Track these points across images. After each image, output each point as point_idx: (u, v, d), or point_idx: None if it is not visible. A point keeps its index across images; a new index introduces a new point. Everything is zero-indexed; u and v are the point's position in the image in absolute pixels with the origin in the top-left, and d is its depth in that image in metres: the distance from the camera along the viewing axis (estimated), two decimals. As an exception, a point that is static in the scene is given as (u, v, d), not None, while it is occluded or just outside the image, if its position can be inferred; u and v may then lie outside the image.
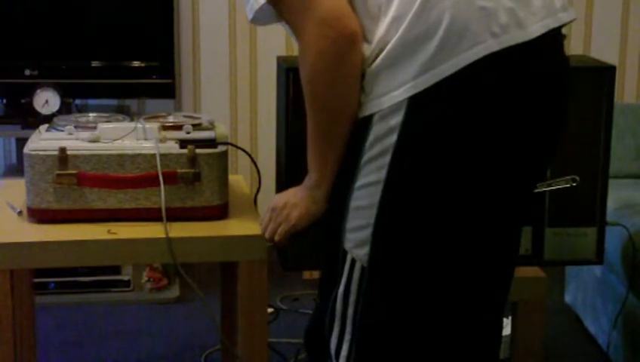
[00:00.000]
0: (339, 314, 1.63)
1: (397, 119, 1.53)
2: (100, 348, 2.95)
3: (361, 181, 1.58)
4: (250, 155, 2.28)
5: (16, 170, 3.36)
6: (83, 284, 3.29)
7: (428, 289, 1.60)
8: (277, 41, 3.70)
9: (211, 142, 2.08)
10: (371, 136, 1.56)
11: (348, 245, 1.61)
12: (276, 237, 1.76)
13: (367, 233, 1.58)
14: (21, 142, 3.24)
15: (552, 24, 1.59)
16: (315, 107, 1.61)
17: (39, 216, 2.03)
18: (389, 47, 1.53)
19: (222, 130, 2.22)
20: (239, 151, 2.26)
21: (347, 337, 1.63)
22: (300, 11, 1.55)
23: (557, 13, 1.60)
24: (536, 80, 1.58)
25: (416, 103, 1.51)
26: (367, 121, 1.57)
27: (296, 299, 3.32)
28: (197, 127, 2.16)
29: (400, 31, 1.52)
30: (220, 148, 2.07)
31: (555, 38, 1.62)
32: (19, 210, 2.09)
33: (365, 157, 1.57)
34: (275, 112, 2.29)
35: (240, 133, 3.77)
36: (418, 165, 1.54)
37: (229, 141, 2.17)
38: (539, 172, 1.75)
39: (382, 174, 1.55)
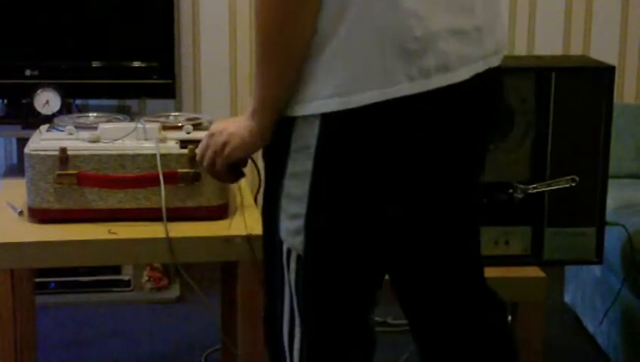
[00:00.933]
0: (287, 305, 1.63)
1: (314, 130, 1.54)
2: (100, 347, 2.95)
3: (290, 169, 1.58)
4: (250, 155, 2.28)
5: (16, 170, 3.36)
6: (83, 284, 3.29)
7: (359, 278, 1.63)
8: (277, 41, 3.70)
9: (211, 143, 2.08)
10: (296, 127, 1.56)
11: (283, 234, 1.61)
12: (216, 168, 1.70)
13: (299, 222, 1.58)
14: (22, 142, 3.24)
15: (480, 68, 1.60)
16: (261, 38, 1.56)
17: (40, 215, 2.03)
18: (328, 48, 1.52)
19: (222, 130, 2.22)
20: (239, 152, 2.25)
21: (297, 329, 1.63)
22: None
23: (489, 57, 1.63)
24: (452, 124, 1.60)
25: (329, 121, 1.53)
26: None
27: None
28: (197, 127, 2.17)
29: (340, 37, 1.51)
30: (220, 149, 2.07)
31: (482, 78, 1.62)
32: (19, 210, 2.09)
33: (294, 145, 1.57)
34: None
35: (240, 133, 3.76)
36: (338, 165, 1.56)
37: (229, 141, 2.16)
38: (463, 176, 1.73)
39: (309, 165, 1.56)
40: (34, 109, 3.23)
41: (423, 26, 1.51)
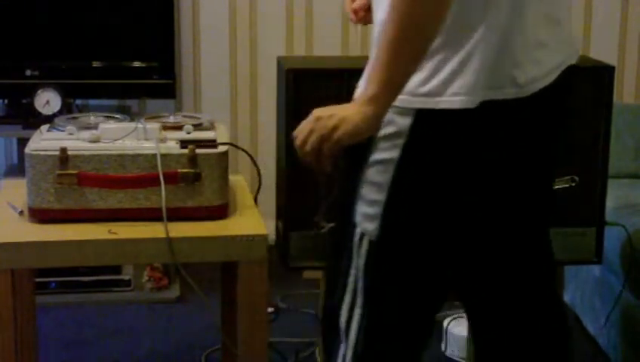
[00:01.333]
0: (350, 287, 1.65)
1: (407, 121, 1.56)
2: (101, 347, 2.95)
3: (375, 156, 1.59)
4: (250, 155, 2.28)
5: (17, 170, 3.36)
6: (84, 284, 3.29)
7: (428, 270, 1.64)
8: (277, 41, 3.71)
9: (212, 143, 2.09)
10: (388, 115, 1.56)
11: (358, 218, 1.62)
12: (321, 153, 1.57)
13: (378, 209, 1.59)
14: (22, 142, 3.25)
15: (560, 70, 1.67)
16: (395, 16, 1.48)
17: (40, 215, 2.04)
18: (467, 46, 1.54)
19: (222, 130, 2.22)
20: (239, 151, 2.26)
21: (357, 311, 1.64)
22: None
23: (568, 59, 1.69)
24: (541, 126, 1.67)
25: (425, 115, 1.55)
26: None
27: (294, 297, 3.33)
28: (197, 127, 2.17)
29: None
30: (221, 149, 2.08)
31: (560, 79, 1.68)
32: (20, 210, 2.09)
33: (382, 133, 1.57)
34: (276, 112, 2.29)
35: (240, 133, 3.78)
36: (426, 158, 1.58)
37: (230, 141, 2.17)
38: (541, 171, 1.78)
39: (395, 154, 1.57)
40: (34, 109, 3.23)
41: (531, 33, 1.58)
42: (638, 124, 3.25)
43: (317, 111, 1.57)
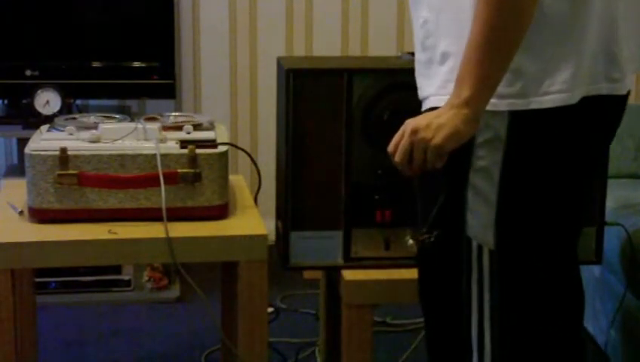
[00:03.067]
0: (475, 302, 1.63)
1: (504, 122, 1.55)
2: (101, 347, 2.95)
3: (477, 163, 1.57)
4: (250, 155, 2.29)
5: (17, 170, 3.36)
6: (84, 284, 3.29)
7: (551, 264, 1.65)
8: (277, 41, 3.71)
9: (212, 143, 2.09)
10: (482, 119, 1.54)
11: (471, 231, 1.60)
12: (428, 165, 1.54)
13: (490, 218, 1.57)
14: (22, 142, 3.25)
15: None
16: (490, 8, 1.45)
17: (40, 216, 2.04)
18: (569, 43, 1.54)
19: (222, 130, 2.23)
20: (239, 152, 2.26)
21: (487, 324, 1.62)
22: None
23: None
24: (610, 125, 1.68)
25: (521, 114, 1.54)
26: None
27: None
28: (197, 127, 2.17)
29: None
30: (221, 149, 2.08)
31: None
32: (20, 210, 2.09)
33: (480, 139, 1.56)
34: (276, 112, 2.29)
35: (240, 133, 3.78)
36: (529, 156, 1.58)
37: (230, 141, 2.17)
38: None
39: (498, 157, 1.55)
40: (34, 109, 3.23)
41: (620, 33, 1.58)
42: (638, 124, 3.25)
43: (411, 124, 1.54)
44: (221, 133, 2.18)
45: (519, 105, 1.53)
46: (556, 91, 1.52)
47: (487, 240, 1.58)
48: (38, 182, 2.01)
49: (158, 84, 3.37)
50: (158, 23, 3.39)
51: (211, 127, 2.19)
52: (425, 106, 1.63)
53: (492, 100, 1.52)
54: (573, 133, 1.57)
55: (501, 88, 1.52)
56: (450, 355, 1.76)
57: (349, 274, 2.12)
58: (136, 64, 3.37)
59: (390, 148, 1.57)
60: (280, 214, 2.24)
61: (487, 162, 1.56)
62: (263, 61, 3.70)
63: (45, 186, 2.01)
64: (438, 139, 1.50)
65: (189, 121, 2.19)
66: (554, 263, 1.65)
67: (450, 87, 1.53)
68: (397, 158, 1.56)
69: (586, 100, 1.55)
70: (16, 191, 2.20)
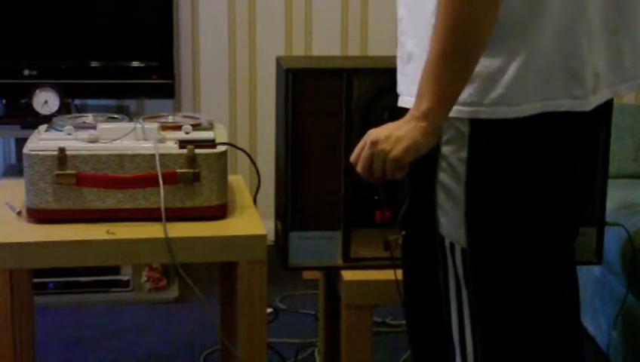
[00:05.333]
0: (453, 298, 1.63)
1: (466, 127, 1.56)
2: (99, 348, 2.94)
3: (444, 162, 1.58)
4: (249, 155, 2.28)
5: (15, 170, 3.36)
6: (82, 284, 3.28)
7: (528, 259, 1.63)
8: (276, 41, 3.70)
9: (211, 143, 2.08)
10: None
11: (443, 229, 1.61)
12: (387, 175, 1.59)
13: (459, 214, 1.58)
14: (20, 142, 3.24)
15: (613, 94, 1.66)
16: (449, 23, 1.47)
17: (38, 216, 2.03)
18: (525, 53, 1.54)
19: (221, 130, 2.22)
20: (238, 152, 2.26)
21: (467, 322, 1.62)
22: None
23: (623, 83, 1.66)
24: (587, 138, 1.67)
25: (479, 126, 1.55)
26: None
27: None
28: (196, 127, 2.16)
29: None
30: (220, 149, 2.07)
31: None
32: (18, 210, 2.09)
33: (444, 137, 1.57)
34: (275, 112, 2.29)
35: (239, 133, 3.77)
36: (492, 155, 1.58)
37: (229, 141, 2.17)
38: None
39: (463, 154, 1.55)
40: (33, 109, 3.23)
41: (587, 46, 1.55)
42: (638, 124, 3.25)
43: (372, 135, 1.58)
44: (220, 133, 2.17)
45: (469, 113, 1.54)
46: (503, 103, 1.52)
47: (458, 238, 1.59)
48: (36, 182, 2.00)
49: (156, 83, 3.36)
50: (157, 23, 3.39)
51: (210, 126, 2.19)
52: (399, 102, 1.66)
53: (481, 108, 1.54)
54: (532, 143, 1.57)
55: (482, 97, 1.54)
56: (434, 356, 1.76)
57: (348, 275, 2.12)
58: (135, 64, 3.37)
59: (352, 158, 1.62)
60: (279, 214, 2.24)
61: (453, 160, 1.56)
62: (263, 61, 3.70)
63: (43, 186, 2.00)
64: (396, 152, 1.54)
65: (188, 121, 2.19)
66: (529, 260, 1.63)
67: (415, 89, 1.54)
68: (358, 168, 1.61)
69: (545, 115, 1.54)
70: (14, 191, 2.20)
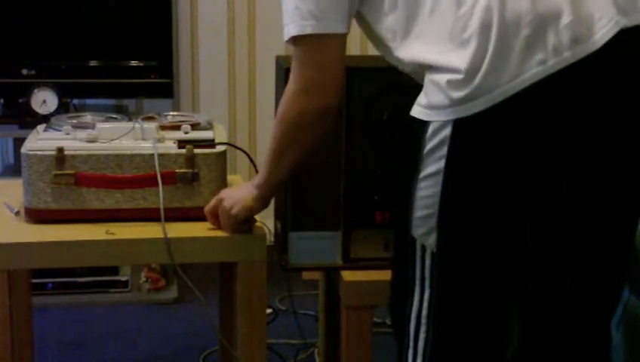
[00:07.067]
0: (416, 297, 1.65)
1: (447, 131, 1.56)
2: (98, 348, 2.94)
3: (424, 172, 1.59)
4: (248, 155, 2.27)
5: (13, 170, 3.35)
6: (81, 285, 3.28)
7: (493, 273, 1.63)
8: (276, 40, 3.69)
9: (210, 142, 2.08)
10: (430, 129, 1.57)
11: (415, 232, 1.63)
12: (228, 230, 1.96)
13: (433, 221, 1.60)
14: (19, 141, 3.24)
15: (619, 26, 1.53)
16: (278, 134, 1.78)
17: (37, 216, 2.02)
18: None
19: (220, 130, 2.22)
20: (238, 151, 2.25)
21: (423, 321, 1.64)
22: (296, 64, 1.76)
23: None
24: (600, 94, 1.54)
25: (462, 123, 1.54)
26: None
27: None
28: (195, 127, 2.16)
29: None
30: (219, 148, 2.07)
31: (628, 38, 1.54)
32: (16, 210, 2.08)
33: (426, 149, 1.58)
34: (274, 112, 2.28)
35: (238, 132, 3.77)
36: (471, 160, 1.57)
37: (228, 141, 2.16)
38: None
39: (441, 164, 1.56)
40: (31, 109, 3.23)
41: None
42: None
43: (223, 193, 1.97)
44: (219, 133, 2.17)
45: (435, 115, 1.57)
46: (462, 102, 1.53)
47: (430, 243, 1.61)
48: (34, 182, 2.00)
49: (155, 83, 3.36)
50: (155, 22, 3.39)
51: (209, 126, 2.18)
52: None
53: (425, 111, 1.58)
54: (513, 134, 1.54)
55: (421, 99, 1.60)
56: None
57: (348, 275, 2.11)
58: (134, 63, 3.36)
59: (205, 210, 1.98)
60: (279, 214, 2.23)
61: (432, 170, 1.58)
62: (262, 60, 3.69)
63: (42, 186, 2.00)
64: (234, 210, 1.93)
65: (186, 121, 2.18)
66: (496, 272, 1.64)
67: (421, 98, 1.61)
68: (208, 220, 1.99)
69: (517, 98, 1.50)
70: (12, 191, 2.19)
